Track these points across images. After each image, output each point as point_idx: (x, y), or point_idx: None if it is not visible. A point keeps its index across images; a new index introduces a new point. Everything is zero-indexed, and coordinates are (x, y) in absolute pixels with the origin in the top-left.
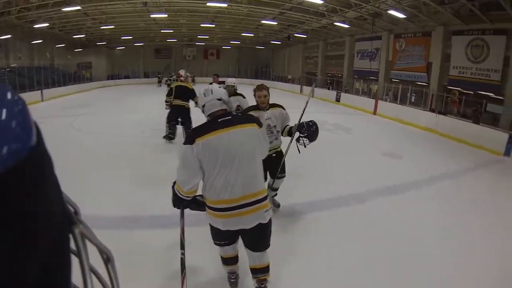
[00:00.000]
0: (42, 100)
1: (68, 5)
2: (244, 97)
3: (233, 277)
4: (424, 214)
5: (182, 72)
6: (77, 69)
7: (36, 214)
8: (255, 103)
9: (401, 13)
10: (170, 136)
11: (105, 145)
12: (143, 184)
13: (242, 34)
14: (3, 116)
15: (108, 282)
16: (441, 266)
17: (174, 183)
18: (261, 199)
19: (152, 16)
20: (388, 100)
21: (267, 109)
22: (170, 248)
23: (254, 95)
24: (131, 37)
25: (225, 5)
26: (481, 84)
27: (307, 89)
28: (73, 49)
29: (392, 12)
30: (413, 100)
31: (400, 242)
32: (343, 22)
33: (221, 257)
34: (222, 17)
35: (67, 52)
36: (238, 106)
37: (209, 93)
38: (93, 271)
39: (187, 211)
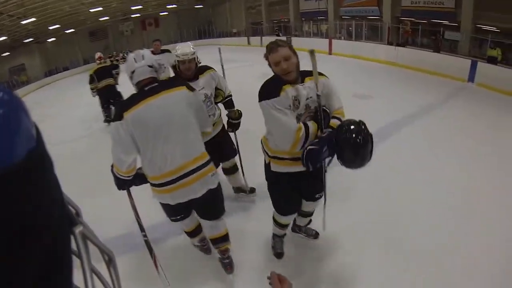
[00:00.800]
0: None
1: None
2: (215, 71)
3: (203, 243)
4: (413, 157)
5: (100, 54)
6: (9, 75)
7: (36, 214)
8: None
9: None
10: (108, 119)
11: (59, 157)
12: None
13: None
14: (1, 116)
15: (110, 283)
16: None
17: (112, 166)
18: (204, 164)
19: None
20: (343, 38)
21: (301, 82)
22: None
23: (269, 64)
24: (59, 26)
25: None
26: (435, 12)
27: (254, 39)
28: (0, 54)
29: None
30: (366, 36)
31: (400, 199)
32: None
33: (185, 231)
34: None
35: None
36: (218, 89)
37: (140, 59)
38: (95, 271)
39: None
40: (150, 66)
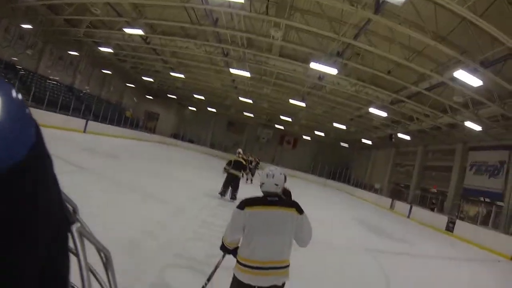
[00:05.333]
0: (84, 132)
1: (130, 25)
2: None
3: None
4: None
5: (240, 151)
6: (144, 116)
7: (35, 213)
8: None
9: None
10: (221, 194)
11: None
12: None
13: (333, 124)
14: (2, 116)
15: (106, 281)
16: None
17: (223, 236)
18: (284, 267)
19: (231, 71)
20: None
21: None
22: None
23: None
24: (203, 98)
25: (335, 72)
26: None
27: (400, 206)
28: (144, 93)
29: None
30: None
31: None
32: (474, 123)
33: None
34: (316, 96)
35: (137, 95)
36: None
37: (270, 177)
38: (91, 270)
39: None
40: (276, 185)
